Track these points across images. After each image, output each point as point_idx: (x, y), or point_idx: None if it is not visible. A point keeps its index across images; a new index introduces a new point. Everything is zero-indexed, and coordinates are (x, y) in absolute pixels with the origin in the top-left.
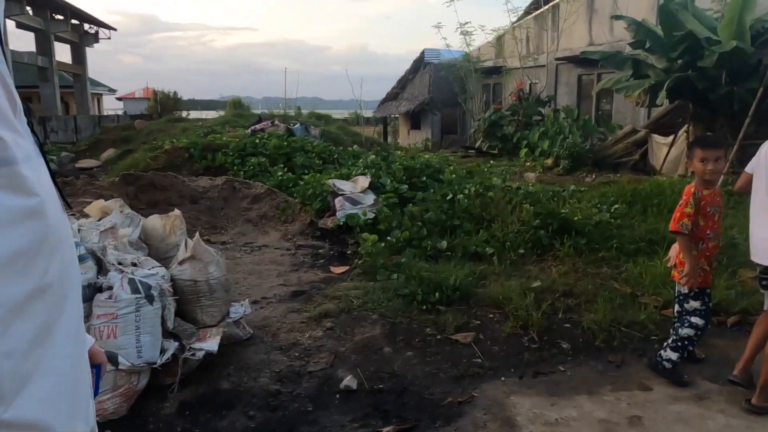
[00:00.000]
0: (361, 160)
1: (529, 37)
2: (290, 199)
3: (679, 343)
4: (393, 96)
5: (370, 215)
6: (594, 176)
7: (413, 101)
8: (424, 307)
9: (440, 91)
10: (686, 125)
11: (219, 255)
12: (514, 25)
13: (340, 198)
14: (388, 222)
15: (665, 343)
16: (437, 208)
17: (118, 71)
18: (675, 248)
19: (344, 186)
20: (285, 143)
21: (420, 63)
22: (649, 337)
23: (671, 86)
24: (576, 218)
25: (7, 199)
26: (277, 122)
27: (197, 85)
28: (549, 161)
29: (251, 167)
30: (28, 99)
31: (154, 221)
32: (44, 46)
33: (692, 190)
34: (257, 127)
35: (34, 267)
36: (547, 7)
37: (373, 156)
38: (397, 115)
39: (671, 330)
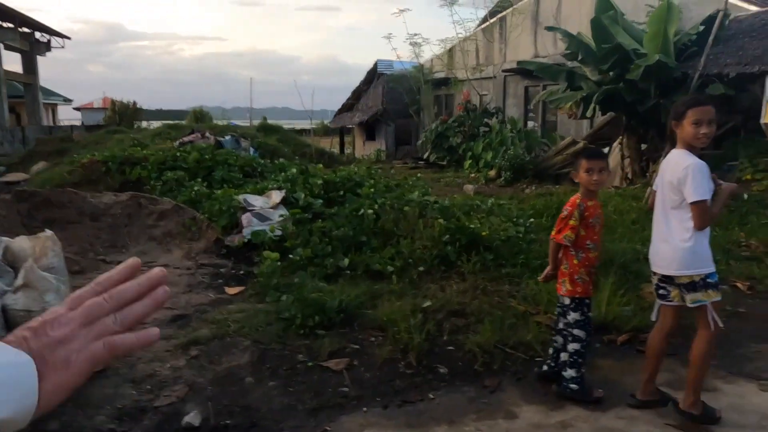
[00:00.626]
0: (282, 174)
1: (478, 49)
2: (198, 215)
3: (572, 359)
4: (348, 107)
5: (278, 232)
6: (533, 188)
7: (367, 112)
8: (302, 331)
9: (394, 102)
10: (620, 137)
11: (61, 282)
12: (462, 38)
13: (247, 214)
14: (294, 239)
15: (563, 364)
16: (347, 223)
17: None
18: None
19: (256, 201)
20: (207, 156)
21: (374, 74)
22: (533, 358)
23: (601, 99)
24: (484, 233)
25: None
26: (208, 134)
27: (165, 95)
28: (492, 172)
29: (168, 182)
30: None
31: (22, 243)
32: None
33: (577, 201)
34: (185, 139)
35: None
36: (494, 19)
37: (295, 169)
38: (352, 126)
39: (551, 349)
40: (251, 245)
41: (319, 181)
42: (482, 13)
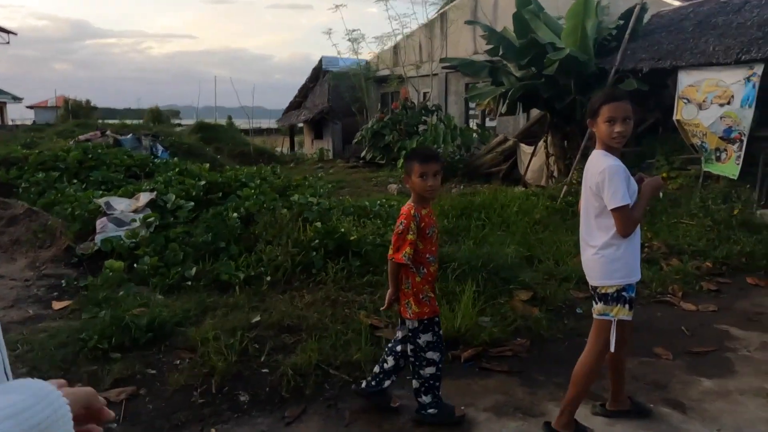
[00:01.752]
0: (162, 176)
1: (421, 46)
2: (52, 220)
3: (428, 384)
4: (296, 105)
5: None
6: (461, 186)
7: (313, 110)
8: (94, 354)
9: (340, 100)
10: (545, 134)
11: None
12: (405, 34)
13: (103, 219)
14: (146, 246)
15: (417, 391)
16: (211, 228)
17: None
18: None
19: (119, 204)
20: (90, 156)
21: (319, 71)
22: (357, 380)
23: (519, 95)
24: (353, 238)
25: None
26: (108, 133)
27: (136, 94)
28: None
29: (38, 183)
30: None
31: None
32: None
33: (411, 211)
34: (82, 138)
35: None
36: (434, 15)
37: (177, 169)
38: (301, 125)
39: (377, 367)
40: (104, 253)
41: (202, 182)
42: (420, 9)
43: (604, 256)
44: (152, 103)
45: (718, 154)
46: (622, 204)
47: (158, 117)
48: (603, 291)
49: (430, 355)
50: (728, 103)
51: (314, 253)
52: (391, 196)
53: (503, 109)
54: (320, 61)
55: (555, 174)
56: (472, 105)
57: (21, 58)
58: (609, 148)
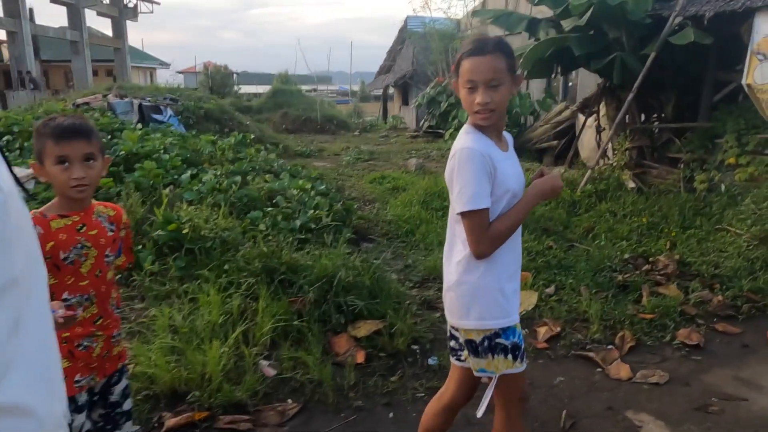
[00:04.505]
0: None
1: (507, 2)
2: None
3: None
4: (386, 69)
5: None
6: None
7: (397, 74)
8: None
9: (429, 64)
10: (597, 103)
11: None
12: None
13: None
14: None
15: None
16: None
17: (213, 47)
18: None
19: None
20: (36, 118)
21: (405, 33)
22: None
23: (547, 52)
24: (185, 231)
25: None
26: (110, 96)
27: (290, 60)
28: None
29: None
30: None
31: None
32: (75, 20)
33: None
34: (80, 101)
35: (2, 262)
36: None
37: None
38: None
39: None
40: None
41: (122, 152)
42: None
43: (463, 284)
44: (304, 69)
45: None
46: (471, 208)
47: (286, 82)
48: (467, 337)
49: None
50: None
51: (140, 246)
52: (400, 174)
53: (522, 69)
54: (405, 21)
55: (609, 154)
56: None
57: (194, 28)
58: (477, 124)
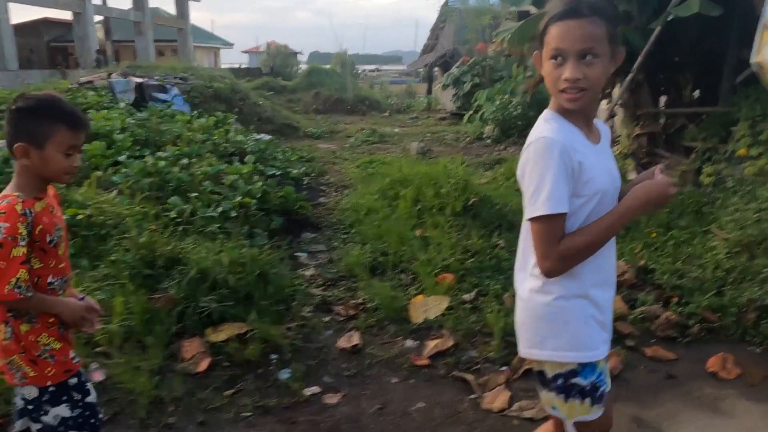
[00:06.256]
0: None
1: None
2: None
3: None
4: (431, 47)
5: None
6: (510, 149)
7: (438, 52)
8: None
9: (470, 43)
10: (610, 86)
11: None
12: None
13: None
14: None
15: None
16: None
17: (287, 27)
18: None
19: None
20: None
21: (446, 9)
22: None
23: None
24: (81, 218)
25: None
26: (115, 76)
27: (358, 39)
28: (489, 127)
29: None
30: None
31: None
32: (139, 2)
33: (19, 209)
34: (83, 80)
35: None
36: None
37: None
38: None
39: None
40: None
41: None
42: None
43: (536, 305)
44: (376, 49)
45: None
46: (543, 213)
47: (344, 62)
48: (538, 368)
49: None
50: None
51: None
52: (394, 158)
53: (503, 45)
54: None
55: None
56: None
57: (267, 8)
58: (563, 109)
